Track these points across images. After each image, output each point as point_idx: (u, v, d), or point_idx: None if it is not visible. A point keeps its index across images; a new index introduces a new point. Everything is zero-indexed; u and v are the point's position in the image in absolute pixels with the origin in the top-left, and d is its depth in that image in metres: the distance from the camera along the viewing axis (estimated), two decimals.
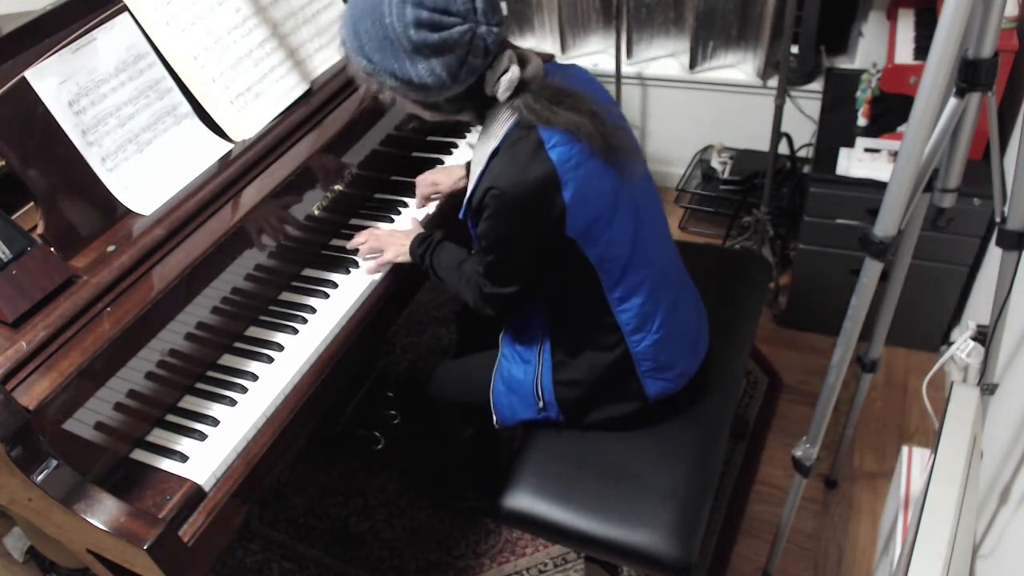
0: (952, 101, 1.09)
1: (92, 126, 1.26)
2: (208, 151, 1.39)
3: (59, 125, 1.22)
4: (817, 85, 2.39)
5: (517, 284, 1.25)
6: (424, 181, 1.63)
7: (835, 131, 2.04)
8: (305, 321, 1.39)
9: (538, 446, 1.42)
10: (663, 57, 2.64)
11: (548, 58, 1.49)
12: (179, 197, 1.32)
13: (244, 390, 1.28)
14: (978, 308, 1.92)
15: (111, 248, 1.22)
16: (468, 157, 1.74)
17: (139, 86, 1.32)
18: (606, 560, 1.42)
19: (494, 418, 1.46)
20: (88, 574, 1.37)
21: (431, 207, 1.62)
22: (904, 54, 1.91)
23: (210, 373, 1.32)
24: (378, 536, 1.90)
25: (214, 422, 1.23)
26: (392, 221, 1.59)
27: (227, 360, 1.34)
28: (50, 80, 1.21)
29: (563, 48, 2.67)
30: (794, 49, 2.34)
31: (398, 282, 1.49)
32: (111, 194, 1.27)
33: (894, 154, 1.92)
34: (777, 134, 2.19)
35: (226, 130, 1.42)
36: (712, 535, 1.81)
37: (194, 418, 1.24)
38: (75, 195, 1.23)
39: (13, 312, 1.09)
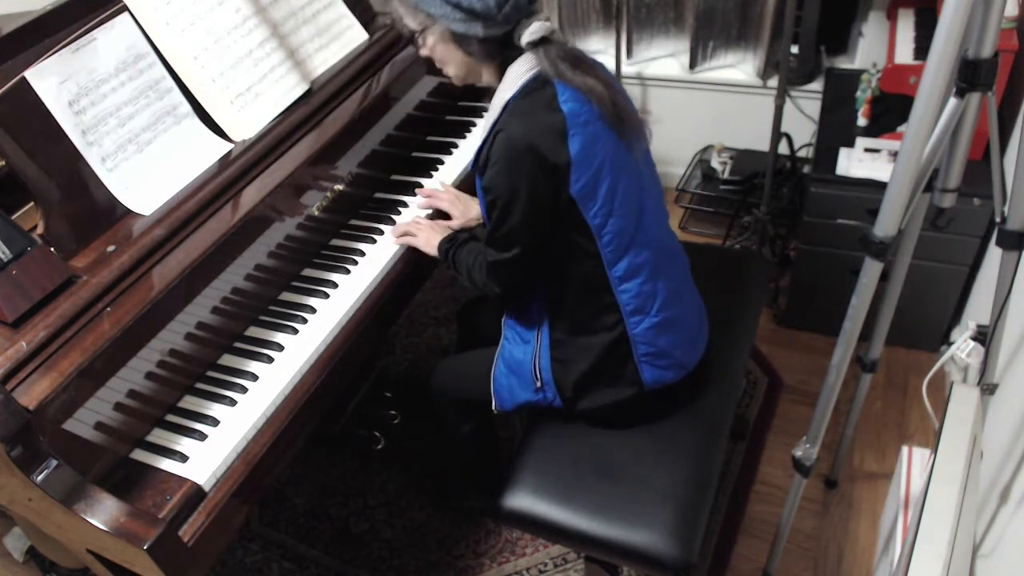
0: (952, 101, 1.09)
1: (92, 126, 1.26)
2: (208, 151, 1.39)
3: (59, 125, 1.22)
4: (817, 85, 2.39)
5: (519, 246, 1.26)
6: (440, 197, 1.61)
7: (835, 131, 2.04)
8: (305, 321, 1.39)
9: (538, 446, 1.42)
10: (663, 57, 2.64)
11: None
12: (179, 197, 1.31)
13: (244, 390, 1.28)
14: (978, 308, 1.92)
15: (111, 248, 1.22)
16: (469, 157, 1.74)
17: (139, 86, 1.32)
18: (606, 560, 1.42)
19: (493, 403, 1.47)
20: (88, 574, 1.37)
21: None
22: (904, 54, 1.91)
23: (210, 373, 1.32)
24: (378, 536, 1.90)
25: (214, 422, 1.23)
26: (392, 221, 1.59)
27: (227, 360, 1.34)
28: (50, 80, 1.21)
29: None
30: (794, 49, 2.34)
31: (398, 282, 1.49)
32: (111, 194, 1.27)
33: (894, 154, 1.92)
34: (777, 134, 2.19)
35: (226, 130, 1.42)
36: (712, 535, 1.81)
37: (194, 418, 1.24)
38: (75, 195, 1.23)
39: (13, 312, 1.09)
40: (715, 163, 2.58)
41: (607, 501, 1.32)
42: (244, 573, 1.86)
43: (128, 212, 1.29)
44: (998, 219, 1.26)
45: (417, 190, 1.65)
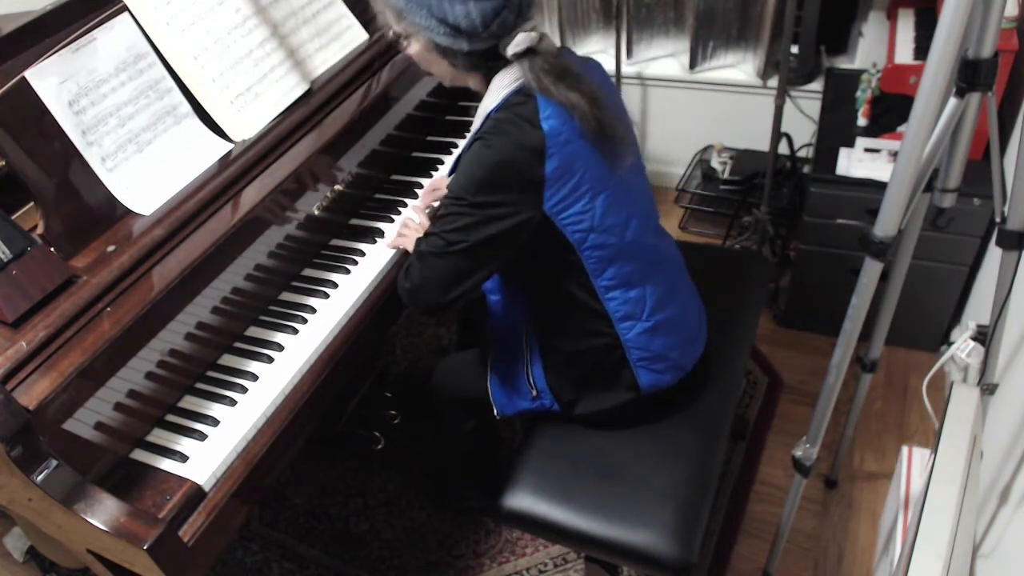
0: (952, 101, 1.09)
1: (92, 126, 1.26)
2: (208, 151, 1.39)
3: (59, 125, 1.21)
4: (817, 85, 2.39)
5: (451, 256, 1.18)
6: (437, 193, 1.58)
7: (835, 131, 2.04)
8: (305, 321, 1.39)
9: (538, 446, 1.42)
10: (663, 57, 2.64)
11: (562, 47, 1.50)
12: (179, 197, 1.31)
13: (244, 390, 1.28)
14: (978, 308, 1.92)
15: (111, 248, 1.22)
16: None
17: (139, 86, 1.32)
18: (606, 560, 1.42)
19: (494, 409, 1.47)
20: (88, 574, 1.37)
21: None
22: (904, 54, 1.91)
23: (210, 373, 1.32)
24: (378, 536, 1.90)
25: (214, 422, 1.23)
26: (392, 221, 1.59)
27: (227, 360, 1.34)
28: (50, 80, 1.21)
29: None
30: (794, 49, 2.34)
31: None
32: (111, 194, 1.27)
33: (894, 154, 1.92)
34: (777, 134, 2.19)
35: (226, 130, 1.42)
36: (712, 535, 1.81)
37: (194, 418, 1.24)
38: (75, 195, 1.23)
39: (13, 312, 1.09)
40: (715, 163, 2.58)
41: (607, 501, 1.32)
42: (244, 573, 1.86)
43: (128, 212, 1.28)
44: (998, 219, 1.26)
45: (417, 190, 1.65)
